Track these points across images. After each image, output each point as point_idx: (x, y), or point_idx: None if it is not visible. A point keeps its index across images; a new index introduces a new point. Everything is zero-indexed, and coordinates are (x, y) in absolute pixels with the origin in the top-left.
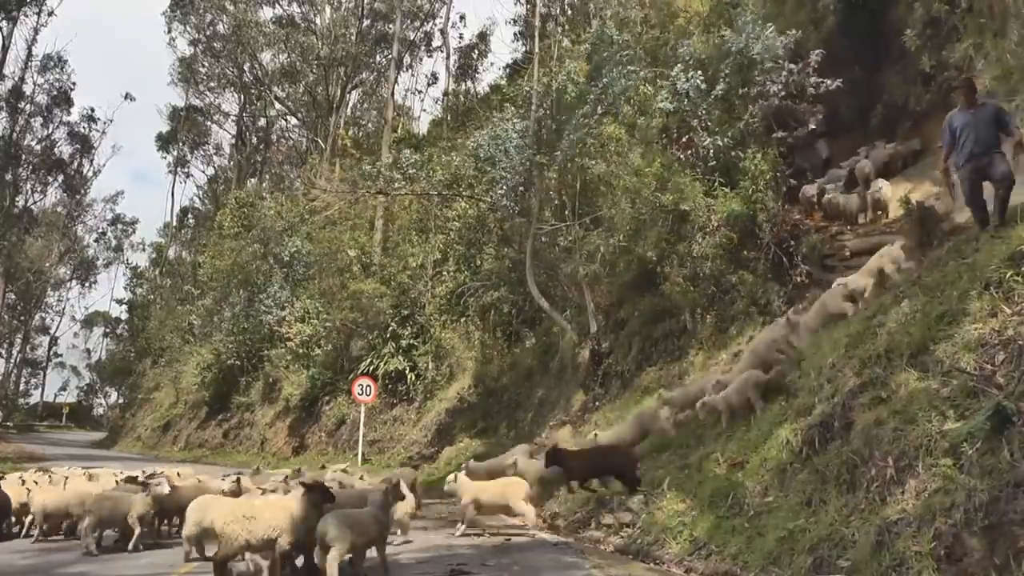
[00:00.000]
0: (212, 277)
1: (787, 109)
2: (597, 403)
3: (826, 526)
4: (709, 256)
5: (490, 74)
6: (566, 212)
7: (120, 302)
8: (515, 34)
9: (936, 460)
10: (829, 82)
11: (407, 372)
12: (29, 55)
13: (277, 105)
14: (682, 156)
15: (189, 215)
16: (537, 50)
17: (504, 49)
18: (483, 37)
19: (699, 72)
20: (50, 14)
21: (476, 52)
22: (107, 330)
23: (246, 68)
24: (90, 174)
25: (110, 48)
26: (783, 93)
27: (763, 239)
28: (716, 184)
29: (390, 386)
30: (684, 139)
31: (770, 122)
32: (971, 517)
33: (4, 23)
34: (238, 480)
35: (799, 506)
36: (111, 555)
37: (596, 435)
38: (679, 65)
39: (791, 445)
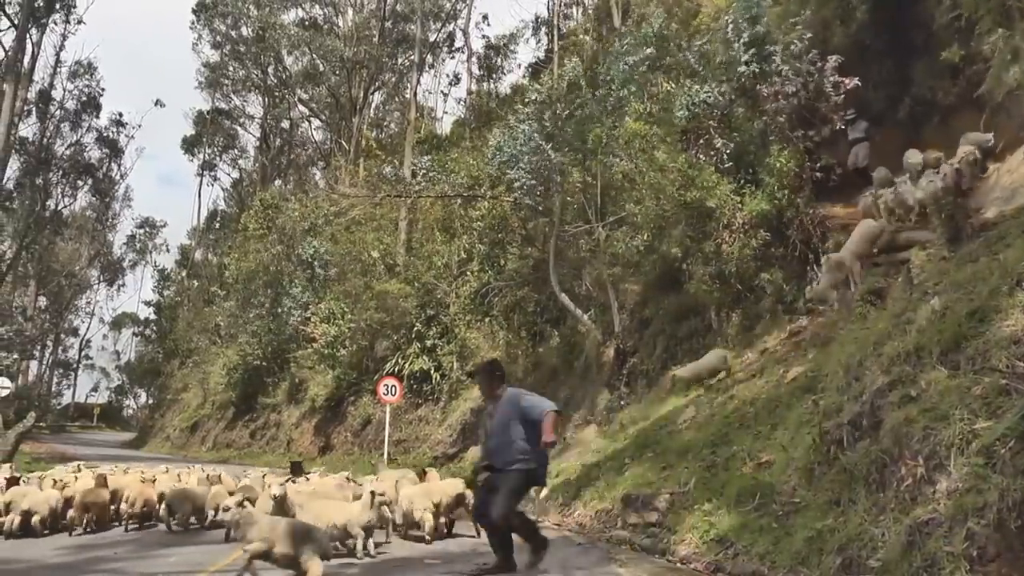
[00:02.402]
0: (237, 279)
1: (810, 108)
2: (623, 402)
3: (855, 526)
4: (736, 255)
5: (513, 75)
6: (589, 211)
7: (148, 304)
8: (533, 31)
9: (968, 459)
10: (847, 81)
11: (432, 372)
12: (58, 61)
13: (301, 107)
14: (702, 156)
15: (217, 218)
16: (556, 49)
17: (527, 49)
18: (513, 38)
19: (712, 85)
20: (79, 22)
21: (499, 54)
22: (136, 331)
23: (270, 71)
24: (118, 177)
25: (136, 52)
26: (802, 93)
27: (790, 236)
28: (742, 182)
29: (415, 386)
30: (702, 140)
31: (793, 121)
32: (1004, 517)
33: (33, 30)
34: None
35: (827, 505)
36: (140, 551)
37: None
38: (688, 82)
39: (818, 444)
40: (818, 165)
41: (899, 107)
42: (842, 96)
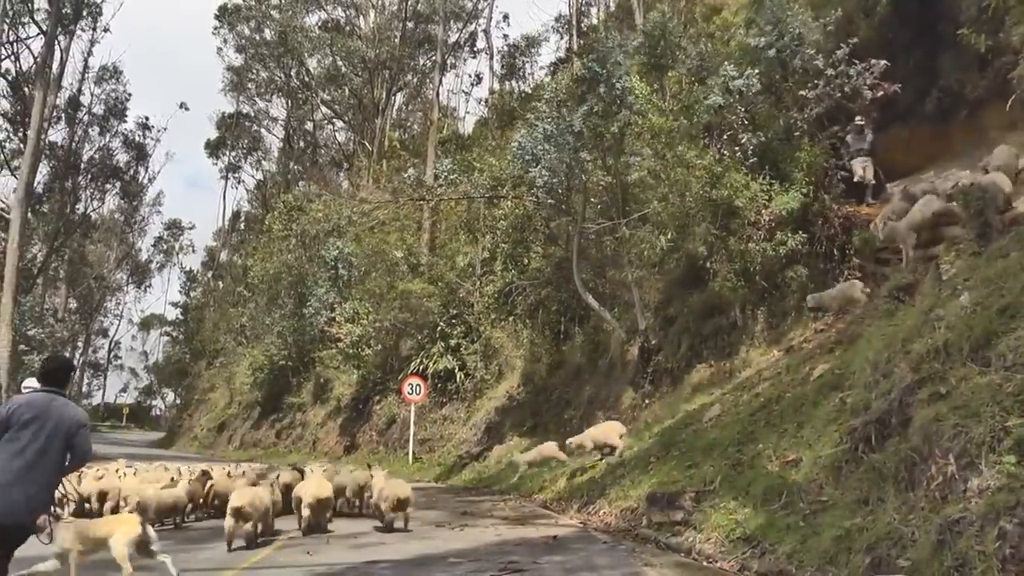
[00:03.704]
0: (262, 280)
1: (839, 106)
2: (647, 401)
3: (884, 525)
4: (763, 252)
5: (535, 76)
6: (612, 210)
7: (175, 305)
8: (555, 30)
9: (1000, 458)
10: (887, 85)
11: (456, 371)
12: (86, 67)
13: (323, 109)
14: (726, 152)
15: (240, 219)
16: (575, 47)
17: (548, 48)
18: (533, 41)
19: (755, 70)
20: (105, 30)
21: (520, 54)
22: (163, 332)
23: (293, 74)
24: (145, 181)
25: (162, 57)
26: (838, 95)
27: (815, 233)
28: (767, 178)
29: (439, 385)
30: (726, 135)
31: (821, 118)
32: None
33: (62, 37)
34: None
35: (855, 504)
36: (170, 549)
37: None
38: (730, 65)
39: (846, 442)
40: (844, 161)
41: (926, 100)
42: (867, 101)
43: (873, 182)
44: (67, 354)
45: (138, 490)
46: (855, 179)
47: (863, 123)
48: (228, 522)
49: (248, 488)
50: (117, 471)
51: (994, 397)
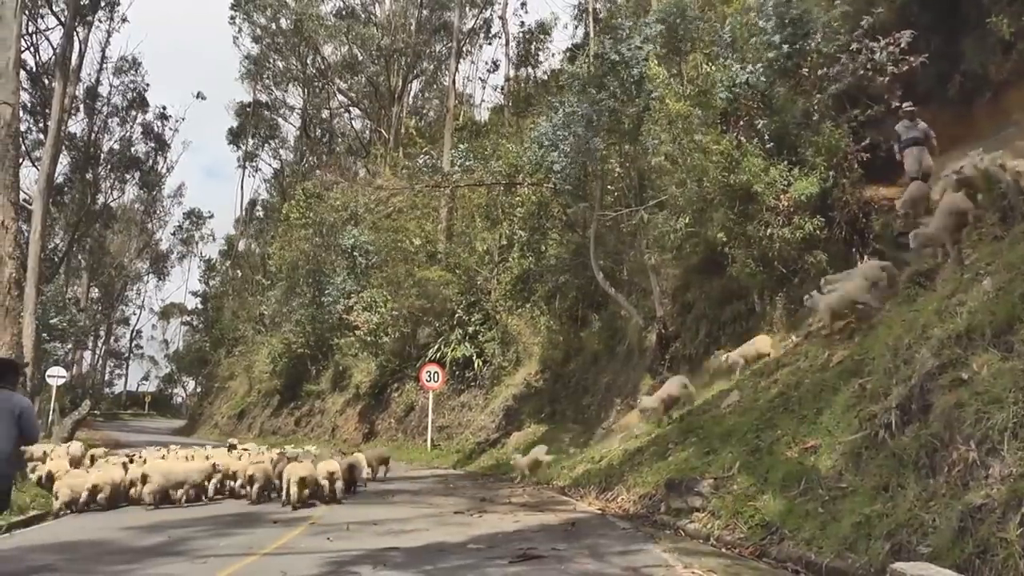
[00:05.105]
0: (280, 268)
1: (859, 86)
2: None
3: (904, 511)
4: (782, 238)
5: (552, 62)
6: (630, 196)
7: (195, 294)
8: (574, 16)
9: (1022, 444)
10: (912, 59)
11: (474, 358)
12: (103, 58)
13: (340, 97)
14: (743, 138)
15: (258, 206)
16: (593, 33)
17: (566, 35)
18: (543, 28)
19: (758, 66)
20: (123, 20)
21: (535, 40)
22: (183, 321)
23: (309, 62)
24: (164, 171)
25: (179, 47)
26: (860, 72)
27: (835, 218)
28: (786, 163)
29: (457, 372)
30: (742, 122)
31: (842, 99)
32: None
33: (80, 28)
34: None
35: (875, 490)
36: (201, 534)
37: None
38: (731, 62)
39: (866, 428)
40: (863, 144)
41: (948, 84)
42: (891, 76)
43: (932, 166)
44: (87, 343)
45: (246, 467)
46: (910, 170)
47: (914, 110)
48: (292, 489)
49: (304, 464)
50: (231, 451)
51: (1016, 383)
